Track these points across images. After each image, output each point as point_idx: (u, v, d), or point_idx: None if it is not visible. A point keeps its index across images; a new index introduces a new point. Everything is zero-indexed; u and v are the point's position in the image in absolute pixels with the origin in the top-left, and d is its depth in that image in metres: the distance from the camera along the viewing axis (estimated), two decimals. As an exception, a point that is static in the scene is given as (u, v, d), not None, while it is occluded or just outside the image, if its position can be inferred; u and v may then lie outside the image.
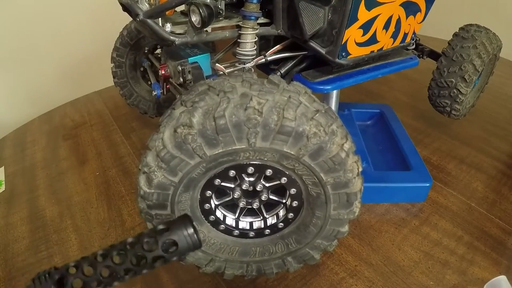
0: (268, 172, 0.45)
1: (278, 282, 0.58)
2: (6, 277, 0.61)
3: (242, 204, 0.50)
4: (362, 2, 0.55)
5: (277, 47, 0.64)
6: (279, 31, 0.60)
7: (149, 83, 0.89)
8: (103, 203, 0.75)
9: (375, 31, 0.61)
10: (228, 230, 0.52)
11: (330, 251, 0.54)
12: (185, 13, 0.60)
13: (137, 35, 0.82)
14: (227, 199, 0.50)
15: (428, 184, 0.69)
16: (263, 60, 0.63)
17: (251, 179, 0.47)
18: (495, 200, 0.72)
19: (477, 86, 0.86)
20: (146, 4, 0.54)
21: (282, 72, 0.65)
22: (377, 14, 0.58)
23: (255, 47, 0.60)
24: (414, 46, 0.77)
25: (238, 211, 0.51)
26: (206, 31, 0.56)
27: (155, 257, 0.36)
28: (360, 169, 0.45)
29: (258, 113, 0.39)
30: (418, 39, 0.81)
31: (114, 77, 0.87)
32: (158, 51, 0.87)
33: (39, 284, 0.34)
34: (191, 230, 0.37)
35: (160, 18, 0.54)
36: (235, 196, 0.49)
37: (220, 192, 0.50)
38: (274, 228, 0.52)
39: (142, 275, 0.37)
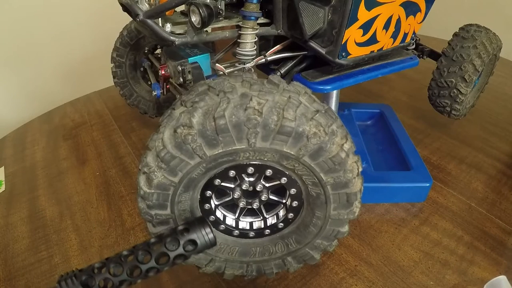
0: (268, 172, 0.45)
1: (278, 282, 0.58)
2: (6, 277, 0.61)
3: (242, 204, 0.50)
4: (362, 2, 0.55)
5: (277, 47, 0.64)
6: (279, 31, 0.60)
7: (149, 83, 0.89)
8: (103, 203, 0.75)
9: (375, 31, 0.61)
10: (228, 230, 0.52)
11: (330, 251, 0.54)
12: (185, 13, 0.60)
13: (137, 35, 0.82)
14: (227, 199, 0.50)
15: (428, 184, 0.69)
16: (263, 60, 0.63)
17: (251, 179, 0.47)
18: (495, 200, 0.72)
19: (477, 86, 0.86)
20: (146, 4, 0.54)
21: (282, 72, 0.65)
22: (377, 14, 0.58)
23: (255, 47, 0.60)
24: (414, 46, 0.77)
25: (238, 211, 0.51)
26: (206, 31, 0.56)
27: (177, 255, 0.41)
28: (360, 169, 0.45)
29: (258, 113, 0.39)
30: (418, 39, 0.81)
31: (114, 77, 0.87)
32: (158, 51, 0.87)
33: (65, 286, 0.36)
34: (208, 229, 0.42)
35: (160, 18, 0.54)
36: (235, 196, 0.49)
37: (220, 192, 0.50)
38: (274, 228, 0.52)
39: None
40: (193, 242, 0.41)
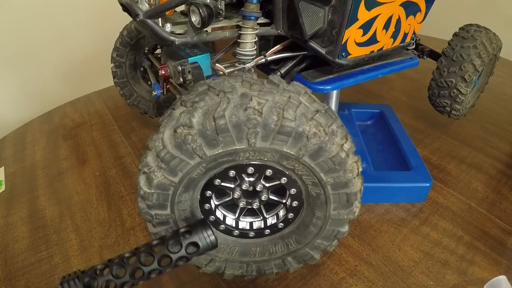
0: (268, 172, 0.45)
1: (278, 282, 0.58)
2: (6, 277, 0.61)
3: (242, 204, 0.50)
4: (362, 2, 0.55)
5: (277, 47, 0.64)
6: (279, 31, 0.60)
7: (149, 83, 0.89)
8: (103, 203, 0.75)
9: (375, 31, 0.61)
10: (228, 230, 0.52)
11: (330, 251, 0.54)
12: (185, 13, 0.60)
13: (137, 35, 0.82)
14: (227, 199, 0.50)
15: (428, 184, 0.69)
16: (263, 60, 0.63)
17: (251, 179, 0.47)
18: (495, 200, 0.72)
19: (477, 86, 0.86)
20: (146, 4, 0.54)
21: (282, 72, 0.65)
22: (377, 14, 0.58)
23: (255, 47, 0.60)
24: (414, 46, 0.77)
25: (238, 211, 0.51)
26: (206, 31, 0.56)
27: (179, 257, 0.41)
28: (360, 169, 0.45)
29: (258, 113, 0.39)
30: (418, 39, 0.81)
31: (114, 77, 0.87)
32: (158, 51, 0.87)
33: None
34: (210, 232, 0.42)
35: (160, 18, 0.54)
36: (235, 196, 0.49)
37: (220, 192, 0.50)
38: (274, 228, 0.52)
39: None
40: (195, 244, 0.42)
